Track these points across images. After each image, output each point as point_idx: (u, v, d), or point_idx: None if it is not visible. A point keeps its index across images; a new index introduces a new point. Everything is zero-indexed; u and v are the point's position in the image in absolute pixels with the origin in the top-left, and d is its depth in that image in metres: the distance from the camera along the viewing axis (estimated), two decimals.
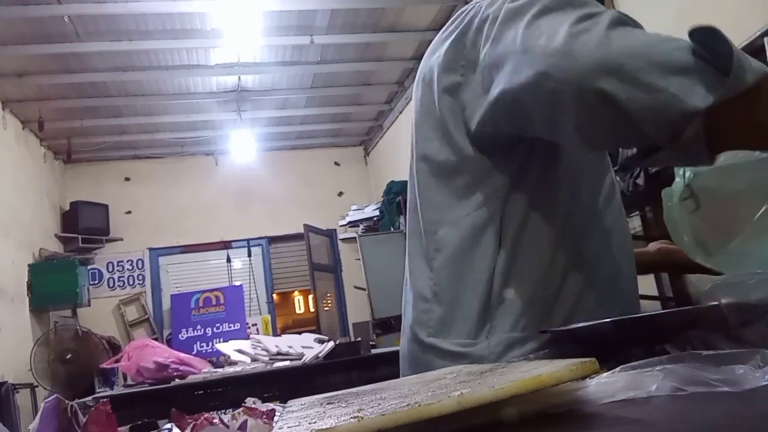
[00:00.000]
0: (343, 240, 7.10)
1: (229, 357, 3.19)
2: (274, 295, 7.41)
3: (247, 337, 4.11)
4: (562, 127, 0.73)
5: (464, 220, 0.85)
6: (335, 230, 7.04)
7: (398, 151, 6.29)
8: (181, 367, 2.99)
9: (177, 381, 2.88)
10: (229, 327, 6.61)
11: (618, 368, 0.51)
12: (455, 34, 0.85)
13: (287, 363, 2.91)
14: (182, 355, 3.23)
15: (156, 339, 5.92)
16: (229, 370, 3.00)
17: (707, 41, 0.61)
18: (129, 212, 7.04)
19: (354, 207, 6.72)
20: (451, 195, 0.87)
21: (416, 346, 0.91)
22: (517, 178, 0.84)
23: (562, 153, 0.85)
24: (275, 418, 0.62)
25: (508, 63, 0.73)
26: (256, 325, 6.72)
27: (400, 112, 6.41)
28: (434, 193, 0.90)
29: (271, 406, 0.74)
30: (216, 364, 3.35)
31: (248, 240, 7.23)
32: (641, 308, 0.97)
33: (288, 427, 0.47)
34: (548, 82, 0.68)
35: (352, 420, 0.42)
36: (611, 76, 0.64)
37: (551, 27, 0.69)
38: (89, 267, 6.72)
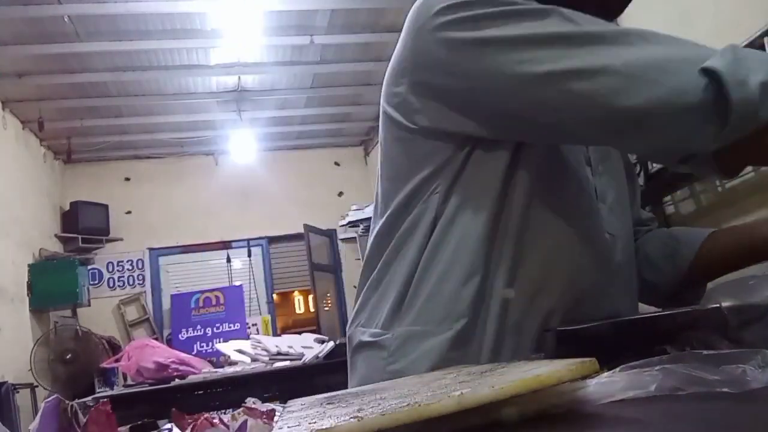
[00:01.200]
0: (343, 240, 7.10)
1: (229, 357, 3.20)
2: (274, 295, 7.40)
3: (247, 337, 4.11)
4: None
5: (408, 214, 0.85)
6: (335, 230, 7.04)
7: None
8: (181, 367, 2.99)
9: (177, 381, 2.88)
10: (229, 327, 6.62)
11: (618, 368, 0.51)
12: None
13: (287, 363, 2.91)
14: (182, 355, 3.23)
15: (156, 339, 5.92)
16: (229, 370, 3.01)
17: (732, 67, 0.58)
18: (129, 212, 7.03)
19: (354, 207, 6.71)
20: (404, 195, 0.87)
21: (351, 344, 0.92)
22: (454, 180, 0.83)
23: (505, 157, 0.82)
24: (275, 418, 0.62)
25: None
26: (256, 325, 6.73)
27: None
28: (390, 198, 0.89)
29: (271, 406, 0.74)
30: (216, 364, 3.36)
31: (248, 240, 7.23)
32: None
33: (288, 427, 0.47)
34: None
35: (352, 420, 0.42)
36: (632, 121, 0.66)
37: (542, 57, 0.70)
38: (89, 267, 6.73)
